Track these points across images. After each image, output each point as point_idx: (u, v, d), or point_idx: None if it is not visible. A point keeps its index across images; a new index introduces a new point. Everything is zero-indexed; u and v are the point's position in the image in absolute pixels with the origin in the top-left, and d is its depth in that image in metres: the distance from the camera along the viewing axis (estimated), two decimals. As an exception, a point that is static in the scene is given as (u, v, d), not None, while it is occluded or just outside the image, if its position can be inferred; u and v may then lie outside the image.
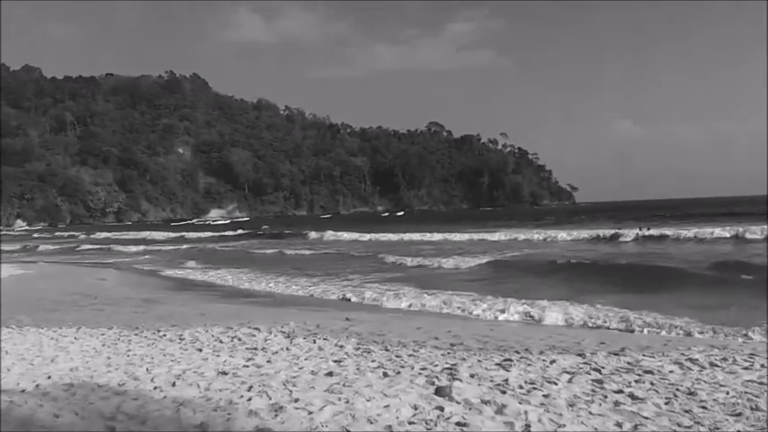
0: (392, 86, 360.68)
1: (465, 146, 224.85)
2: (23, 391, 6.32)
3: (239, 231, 69.86)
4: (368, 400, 5.45)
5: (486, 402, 5.35)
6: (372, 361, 7.41)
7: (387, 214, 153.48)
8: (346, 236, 48.52)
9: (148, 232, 71.59)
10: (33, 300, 16.92)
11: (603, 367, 6.76)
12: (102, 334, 10.28)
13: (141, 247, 46.18)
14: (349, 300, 16.78)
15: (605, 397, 5.57)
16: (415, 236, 41.96)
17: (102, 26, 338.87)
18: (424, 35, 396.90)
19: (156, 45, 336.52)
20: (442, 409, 5.17)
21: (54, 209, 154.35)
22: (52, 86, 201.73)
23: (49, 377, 6.97)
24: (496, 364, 6.97)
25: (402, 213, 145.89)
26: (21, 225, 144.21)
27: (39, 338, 9.87)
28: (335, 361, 7.49)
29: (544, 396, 5.56)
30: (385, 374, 6.57)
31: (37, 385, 6.57)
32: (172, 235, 64.73)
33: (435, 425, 4.77)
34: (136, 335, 10.13)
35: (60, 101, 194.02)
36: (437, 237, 40.93)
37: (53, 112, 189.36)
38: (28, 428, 4.95)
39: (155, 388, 6.31)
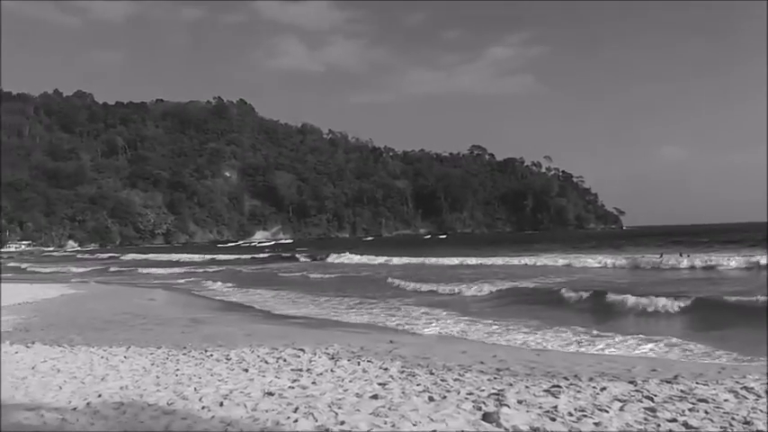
0: (433, 110, 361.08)
1: (508, 169, 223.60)
2: (75, 409, 6.47)
3: (268, 254, 70.52)
4: (414, 425, 5.41)
5: (535, 429, 5.25)
6: (417, 384, 7.36)
7: (429, 237, 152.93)
8: (364, 259, 48.93)
9: (180, 255, 71.99)
10: (84, 319, 17.35)
11: (656, 395, 6.57)
12: (152, 353, 10.46)
13: (172, 270, 46.95)
14: (386, 326, 16.66)
15: (659, 426, 5.41)
16: (454, 260, 41.77)
17: (152, 53, 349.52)
18: (463, 61, 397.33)
19: (204, 72, 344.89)
20: (489, 434, 5.10)
21: (105, 230, 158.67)
22: (104, 112, 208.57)
23: (100, 395, 7.12)
24: (545, 391, 6.84)
25: (445, 236, 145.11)
26: (72, 246, 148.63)
27: (90, 357, 10.09)
28: (380, 384, 7.46)
29: (595, 424, 5.44)
30: (431, 399, 6.51)
31: (88, 403, 6.72)
32: (206, 257, 65.47)
33: (484, 451, 4.70)
34: (184, 354, 10.28)
35: (112, 126, 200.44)
36: (472, 261, 40.85)
37: (105, 137, 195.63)
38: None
39: (203, 408, 6.38)
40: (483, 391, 6.88)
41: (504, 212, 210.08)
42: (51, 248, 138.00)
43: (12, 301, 22.24)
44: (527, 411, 5.88)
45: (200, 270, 45.72)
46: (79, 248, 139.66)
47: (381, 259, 46.88)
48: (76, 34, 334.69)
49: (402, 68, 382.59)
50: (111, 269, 53.34)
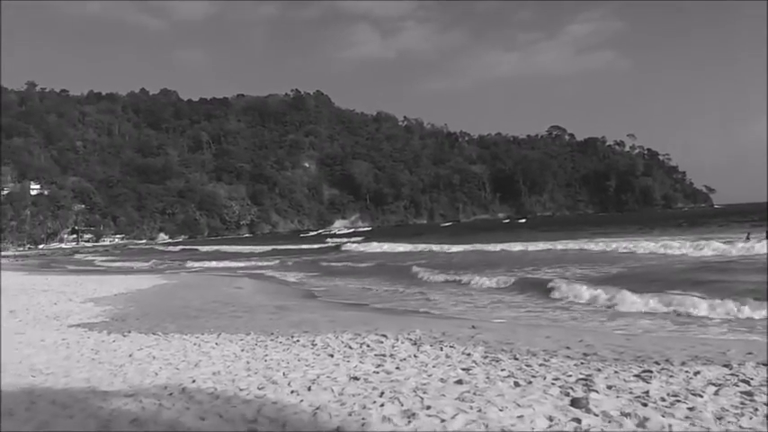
0: (509, 93, 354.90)
1: (589, 149, 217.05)
2: (171, 394, 6.78)
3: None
4: (500, 410, 5.38)
5: (626, 415, 5.11)
6: (502, 370, 7.31)
7: (507, 221, 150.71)
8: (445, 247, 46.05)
9: (245, 247, 74.49)
10: (176, 308, 18.13)
11: (752, 378, 6.28)
12: (241, 339, 10.83)
13: (226, 263, 47.32)
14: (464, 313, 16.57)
15: (756, 410, 5.17)
16: (516, 246, 39.46)
17: (232, 50, 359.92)
18: (540, 39, 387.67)
19: (282, 66, 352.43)
20: (578, 420, 5.00)
21: (193, 222, 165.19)
22: (188, 108, 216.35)
23: (194, 381, 7.44)
24: (635, 376, 6.65)
25: (524, 220, 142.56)
26: (163, 238, 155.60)
27: (183, 344, 10.54)
28: (464, 369, 7.45)
29: (689, 409, 5.24)
30: (516, 384, 6.45)
31: (183, 389, 7.03)
32: (266, 248, 66.71)
33: (573, 437, 4.62)
34: (272, 340, 10.59)
35: (196, 122, 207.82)
36: (534, 246, 38.45)
37: (190, 133, 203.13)
38: (176, 430, 5.30)
39: (292, 392, 6.57)
40: (570, 376, 6.76)
41: (587, 194, 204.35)
42: (143, 241, 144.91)
43: (108, 292, 23.49)
44: (617, 397, 5.73)
45: (262, 263, 45.20)
46: (170, 240, 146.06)
47: (459, 247, 43.83)
48: (161, 35, 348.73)
49: (476, 51, 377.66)
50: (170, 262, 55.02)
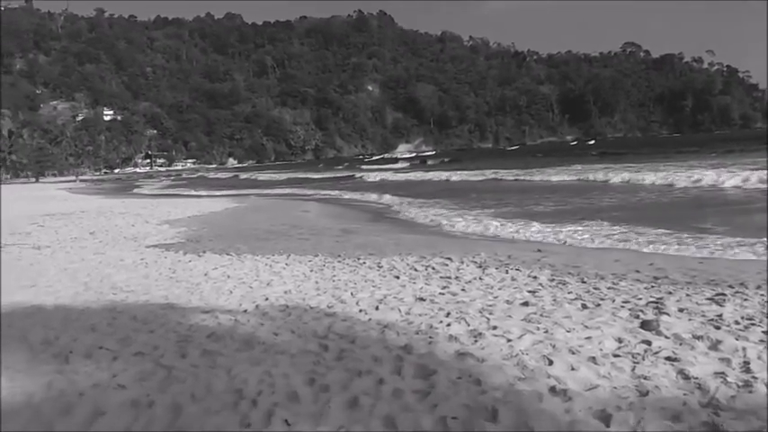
0: (582, 6, 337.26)
1: (665, 66, 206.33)
2: (245, 311, 7.07)
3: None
4: (568, 331, 5.37)
5: (698, 338, 5.01)
6: (569, 293, 7.26)
7: (575, 143, 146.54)
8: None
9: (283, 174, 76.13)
10: (248, 230, 18.68)
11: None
12: (310, 260, 11.10)
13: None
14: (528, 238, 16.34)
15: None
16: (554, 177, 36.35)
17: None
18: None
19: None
20: (649, 342, 4.94)
21: (260, 148, 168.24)
22: (253, 32, 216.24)
23: (267, 299, 7.72)
24: (708, 299, 6.48)
25: (593, 142, 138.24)
26: (233, 163, 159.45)
27: (255, 264, 10.89)
28: (530, 291, 7.44)
29: (764, 332, 5.09)
30: (584, 306, 6.40)
31: (257, 306, 7.32)
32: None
33: (643, 359, 4.57)
34: (339, 262, 10.82)
35: (261, 45, 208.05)
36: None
37: (255, 57, 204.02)
38: (251, 344, 5.54)
39: (360, 311, 6.73)
40: (640, 299, 6.65)
41: (661, 114, 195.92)
42: (214, 166, 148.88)
43: (182, 214, 24.39)
44: (689, 320, 5.62)
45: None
46: (238, 165, 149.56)
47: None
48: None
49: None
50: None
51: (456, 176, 44.58)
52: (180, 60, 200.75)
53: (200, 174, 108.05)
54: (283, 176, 72.29)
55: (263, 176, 76.62)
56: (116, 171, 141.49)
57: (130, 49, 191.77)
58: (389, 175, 54.98)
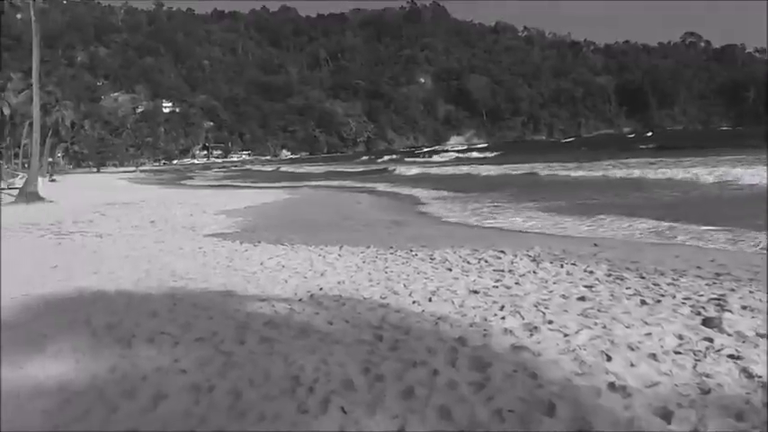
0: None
1: (726, 57, 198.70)
2: (300, 300, 7.18)
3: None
4: (627, 327, 5.26)
5: (762, 336, 4.85)
6: (627, 288, 7.10)
7: (633, 136, 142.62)
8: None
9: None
10: (301, 221, 18.96)
11: None
12: (362, 252, 11.17)
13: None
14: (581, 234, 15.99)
15: None
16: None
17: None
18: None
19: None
20: (711, 340, 4.80)
21: (313, 140, 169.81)
22: (307, 25, 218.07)
23: (321, 289, 7.81)
24: (773, 297, 6.26)
25: (651, 134, 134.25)
26: (286, 154, 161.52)
27: (308, 255, 11.03)
28: (586, 286, 7.31)
29: (833, 332, 4.89)
30: (643, 302, 6.27)
31: (311, 295, 7.41)
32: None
33: (704, 356, 4.45)
34: (391, 253, 10.85)
35: (315, 38, 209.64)
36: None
37: (309, 50, 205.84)
38: (307, 333, 5.63)
39: (413, 302, 6.75)
40: (702, 296, 6.47)
41: (722, 107, 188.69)
42: (267, 157, 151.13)
43: (237, 205, 24.92)
44: (752, 317, 5.44)
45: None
46: (292, 156, 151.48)
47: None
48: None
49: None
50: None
51: (501, 170, 44.22)
52: (236, 53, 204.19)
53: (246, 167, 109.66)
54: (322, 169, 72.62)
55: (301, 169, 77.67)
56: (174, 162, 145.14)
57: (189, 42, 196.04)
58: (428, 169, 54.71)
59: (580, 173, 36.80)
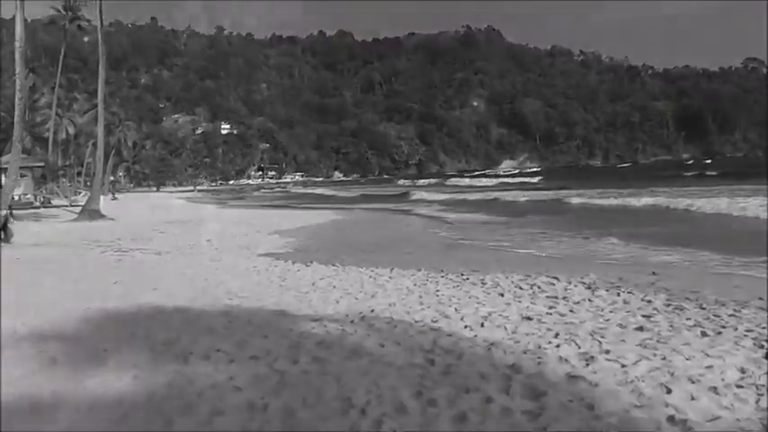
0: (702, 21, 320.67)
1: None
2: (352, 321, 7.21)
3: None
4: (687, 359, 5.11)
5: (831, 373, 4.65)
6: (687, 319, 6.90)
7: (691, 162, 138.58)
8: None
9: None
10: (351, 242, 19.10)
11: None
12: (413, 275, 11.16)
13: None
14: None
15: None
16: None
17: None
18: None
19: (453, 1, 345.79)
20: (775, 375, 4.63)
21: (365, 162, 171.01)
22: (362, 50, 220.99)
23: (372, 310, 7.83)
24: (842, 332, 5.98)
25: (710, 161, 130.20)
26: (338, 176, 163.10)
27: (359, 276, 11.09)
28: (644, 316, 7.14)
29: None
30: (704, 333, 6.08)
31: (363, 317, 7.44)
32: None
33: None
34: (442, 277, 10.82)
35: (369, 62, 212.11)
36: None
37: (363, 73, 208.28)
38: (359, 354, 5.65)
39: (465, 327, 6.70)
40: (764, 328, 6.23)
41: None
42: (320, 179, 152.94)
43: (291, 225, 25.28)
44: (819, 353, 5.21)
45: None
46: (344, 178, 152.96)
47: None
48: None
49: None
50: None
51: (551, 195, 43.70)
52: (292, 77, 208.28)
53: (286, 188, 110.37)
54: (356, 193, 72.05)
55: (329, 191, 78.21)
56: (230, 182, 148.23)
57: (247, 66, 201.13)
58: (458, 195, 52.57)
59: (631, 200, 35.78)
